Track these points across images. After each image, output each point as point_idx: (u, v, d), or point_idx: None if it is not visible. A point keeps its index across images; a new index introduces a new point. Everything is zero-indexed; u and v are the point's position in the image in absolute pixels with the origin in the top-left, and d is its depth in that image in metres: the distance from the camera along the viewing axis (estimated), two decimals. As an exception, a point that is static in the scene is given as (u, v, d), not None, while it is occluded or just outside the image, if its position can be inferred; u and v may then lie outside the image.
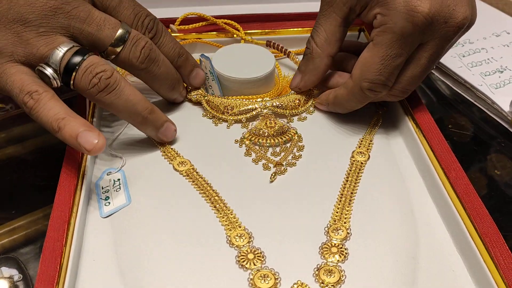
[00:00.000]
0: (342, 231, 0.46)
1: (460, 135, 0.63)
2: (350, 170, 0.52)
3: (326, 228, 0.46)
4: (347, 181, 0.51)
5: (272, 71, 0.59)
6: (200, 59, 0.59)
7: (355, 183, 0.51)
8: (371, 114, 0.60)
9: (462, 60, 0.69)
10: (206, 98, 0.58)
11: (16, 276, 0.47)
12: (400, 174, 0.53)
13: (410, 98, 0.58)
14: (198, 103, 0.59)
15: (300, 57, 0.67)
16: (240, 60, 0.60)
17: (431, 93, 0.69)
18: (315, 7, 0.71)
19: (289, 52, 0.66)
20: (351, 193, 0.50)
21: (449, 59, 0.69)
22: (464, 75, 0.66)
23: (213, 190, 0.49)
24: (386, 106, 0.60)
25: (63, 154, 0.49)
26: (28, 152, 0.59)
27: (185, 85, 0.60)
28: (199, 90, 0.59)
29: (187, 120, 0.58)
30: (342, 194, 0.49)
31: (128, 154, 0.53)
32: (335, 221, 0.47)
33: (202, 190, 0.49)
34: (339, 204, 0.48)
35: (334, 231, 0.46)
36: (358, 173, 0.52)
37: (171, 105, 0.60)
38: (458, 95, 0.67)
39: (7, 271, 0.48)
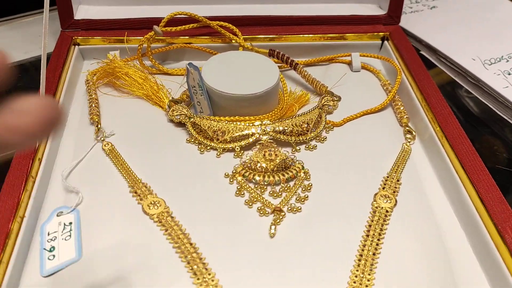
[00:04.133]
0: (361, 309, 0.34)
1: (495, 156, 0.51)
2: (372, 221, 0.40)
3: (339, 304, 0.34)
4: (367, 236, 0.39)
5: (275, 86, 0.47)
6: (187, 68, 0.47)
7: (378, 240, 0.39)
8: (398, 143, 0.48)
9: (508, 78, 0.56)
10: (192, 119, 0.46)
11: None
12: (436, 226, 0.40)
13: (444, 119, 0.46)
14: (182, 124, 0.48)
15: (310, 70, 0.56)
16: (236, 71, 0.48)
17: (458, 111, 0.57)
18: (329, 9, 0.59)
19: (296, 63, 0.54)
20: (373, 254, 0.38)
21: (491, 76, 0.57)
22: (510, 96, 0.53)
23: (191, 244, 0.37)
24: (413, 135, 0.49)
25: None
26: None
27: (167, 99, 0.49)
28: (183, 109, 0.47)
29: (166, 145, 0.46)
30: (361, 256, 0.37)
31: (87, 189, 0.41)
32: (351, 293, 0.35)
33: (176, 243, 0.37)
34: (357, 271, 0.36)
35: (350, 309, 0.34)
36: (382, 225, 0.40)
37: (148, 125, 0.48)
38: (488, 112, 0.55)
39: None
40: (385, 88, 0.55)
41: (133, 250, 0.37)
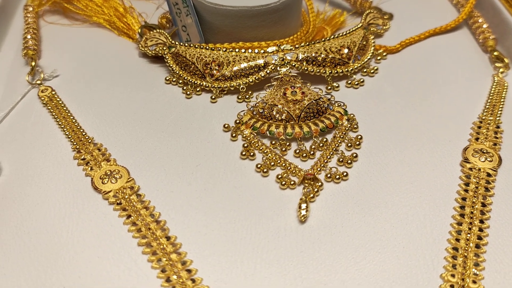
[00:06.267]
0: None
1: None
2: (467, 191, 0.24)
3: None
4: (462, 216, 0.23)
5: (296, -3, 0.31)
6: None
7: (482, 222, 0.23)
8: (483, 75, 0.32)
9: None
10: (173, 49, 0.31)
11: None
12: None
13: None
14: (158, 58, 0.32)
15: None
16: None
17: None
18: None
19: (326, -28, 0.38)
20: (476, 246, 0.22)
21: None
22: None
23: (168, 239, 0.22)
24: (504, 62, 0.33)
25: None
26: None
27: (139, 25, 0.33)
28: (161, 36, 0.31)
29: (135, 88, 0.31)
30: (456, 250, 0.22)
31: (11, 156, 0.27)
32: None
33: (144, 237, 0.23)
34: (452, 276, 0.21)
35: None
36: (484, 197, 0.24)
37: (110, 61, 0.33)
38: None
39: None
40: (454, 1, 0.38)
41: (74, 250, 0.22)
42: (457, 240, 0.22)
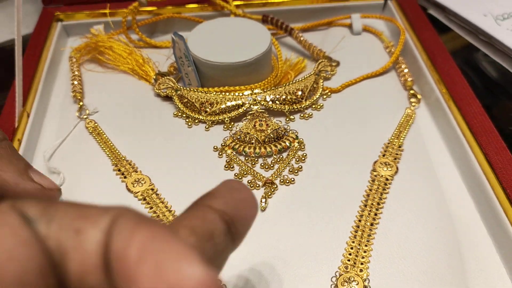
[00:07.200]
0: (357, 284, 0.32)
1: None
2: (371, 190, 0.37)
3: (334, 279, 0.32)
4: (365, 206, 0.36)
5: (266, 53, 0.44)
6: (172, 38, 0.45)
7: (377, 209, 0.36)
8: (401, 108, 0.44)
9: (522, 33, 0.52)
10: (178, 92, 0.44)
11: None
12: (441, 194, 0.37)
13: (451, 79, 0.43)
14: (168, 98, 0.45)
15: (308, 35, 0.52)
16: (223, 39, 0.45)
17: (474, 76, 0.53)
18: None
19: (292, 28, 0.51)
20: (371, 224, 0.35)
21: (505, 33, 0.52)
22: (526, 53, 0.49)
23: (176, 222, 0.35)
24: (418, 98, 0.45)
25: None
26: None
27: (154, 72, 0.46)
28: (170, 82, 0.44)
29: (153, 120, 0.44)
30: (358, 227, 0.35)
31: (69, 169, 0.39)
32: (346, 267, 0.32)
33: (161, 221, 0.35)
34: (352, 242, 0.34)
35: (345, 283, 0.31)
36: (381, 194, 0.37)
37: (134, 100, 0.46)
38: (508, 76, 0.51)
39: None
40: (388, 50, 0.51)
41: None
42: (359, 221, 0.35)
